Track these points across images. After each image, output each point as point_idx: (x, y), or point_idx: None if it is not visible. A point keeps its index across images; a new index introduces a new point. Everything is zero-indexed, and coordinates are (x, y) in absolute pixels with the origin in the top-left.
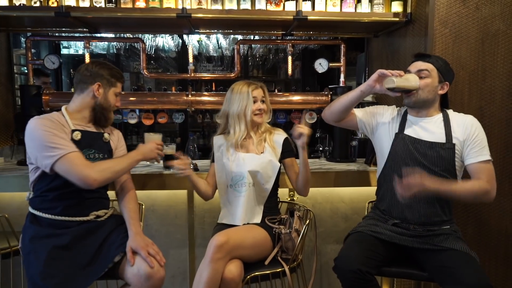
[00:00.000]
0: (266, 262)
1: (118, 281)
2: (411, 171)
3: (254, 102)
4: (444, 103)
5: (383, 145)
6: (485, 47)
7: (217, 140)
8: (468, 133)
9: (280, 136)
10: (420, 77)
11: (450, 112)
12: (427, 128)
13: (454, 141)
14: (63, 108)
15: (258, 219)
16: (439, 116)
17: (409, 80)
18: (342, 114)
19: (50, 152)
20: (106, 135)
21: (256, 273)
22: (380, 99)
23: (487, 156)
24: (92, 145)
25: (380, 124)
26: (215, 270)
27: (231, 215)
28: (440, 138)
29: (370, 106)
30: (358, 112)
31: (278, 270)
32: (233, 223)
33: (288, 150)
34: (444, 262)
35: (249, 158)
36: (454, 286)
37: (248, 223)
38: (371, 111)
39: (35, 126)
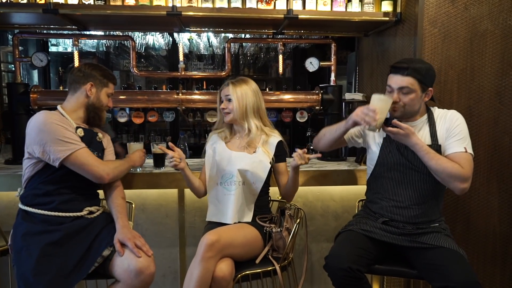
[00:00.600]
0: (257, 261)
1: (108, 281)
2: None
3: (221, 102)
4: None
5: (371, 151)
6: (474, 46)
7: (212, 137)
8: (449, 126)
9: (274, 138)
10: (403, 94)
11: (434, 110)
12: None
13: (439, 141)
14: (59, 108)
15: (248, 218)
16: (424, 117)
17: (384, 110)
18: (332, 146)
19: (63, 146)
20: (100, 134)
21: (247, 272)
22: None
23: (468, 149)
24: (90, 143)
25: (366, 131)
26: (206, 269)
27: (221, 213)
28: (426, 140)
29: None
30: None
31: (269, 268)
32: (224, 221)
33: (281, 155)
34: (433, 260)
35: (240, 157)
36: (443, 283)
37: (239, 222)
38: None
39: (46, 120)
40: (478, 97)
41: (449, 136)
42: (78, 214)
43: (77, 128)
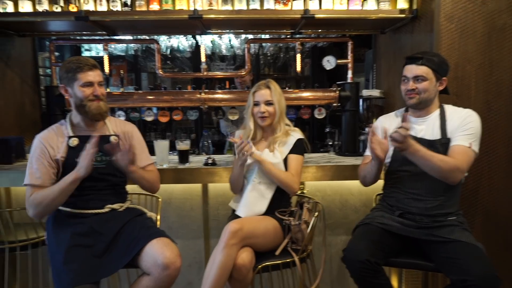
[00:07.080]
0: (277, 253)
1: (138, 271)
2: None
3: (256, 105)
4: (443, 91)
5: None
6: (492, 41)
7: (238, 133)
8: (461, 122)
9: (293, 137)
10: (418, 82)
11: (448, 107)
12: (426, 127)
13: (448, 135)
14: (67, 116)
15: (262, 208)
16: (437, 112)
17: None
18: (378, 178)
19: (27, 174)
20: (112, 138)
21: (267, 263)
22: (387, 95)
23: (473, 145)
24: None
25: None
26: (228, 256)
27: (239, 203)
28: (435, 134)
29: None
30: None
31: (288, 260)
32: (237, 212)
33: (295, 148)
34: (451, 254)
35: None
36: (461, 277)
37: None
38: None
39: (33, 143)
40: (496, 92)
41: (458, 130)
42: (99, 211)
43: (70, 137)
